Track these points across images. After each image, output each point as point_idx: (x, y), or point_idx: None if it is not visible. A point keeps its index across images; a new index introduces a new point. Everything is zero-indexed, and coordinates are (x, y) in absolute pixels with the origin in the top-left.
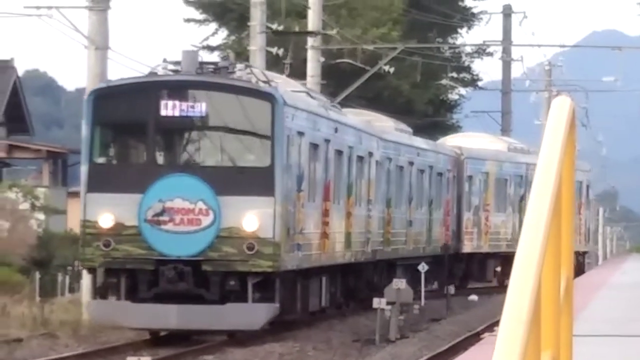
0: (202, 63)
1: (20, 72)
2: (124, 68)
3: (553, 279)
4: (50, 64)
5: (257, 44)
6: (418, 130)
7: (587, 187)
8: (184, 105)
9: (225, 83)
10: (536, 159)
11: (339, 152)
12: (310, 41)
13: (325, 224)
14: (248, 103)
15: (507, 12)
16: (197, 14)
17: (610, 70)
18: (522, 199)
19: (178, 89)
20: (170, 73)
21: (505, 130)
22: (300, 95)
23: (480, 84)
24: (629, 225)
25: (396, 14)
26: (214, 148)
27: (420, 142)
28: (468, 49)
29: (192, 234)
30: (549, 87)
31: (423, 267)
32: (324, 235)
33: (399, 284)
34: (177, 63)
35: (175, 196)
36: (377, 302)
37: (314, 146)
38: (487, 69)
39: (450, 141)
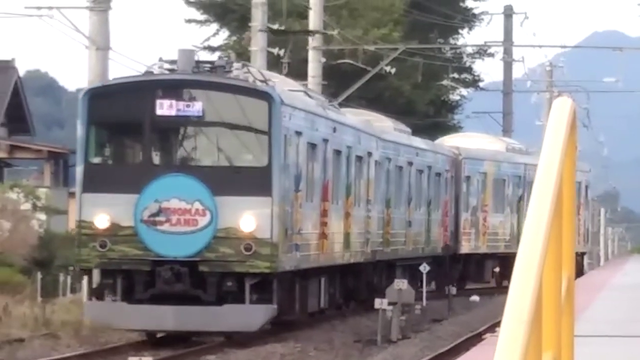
0: (198, 62)
1: (22, 73)
2: (125, 68)
3: (554, 280)
4: (51, 64)
5: (258, 44)
6: (419, 131)
7: (586, 187)
8: (180, 104)
9: (222, 82)
10: (534, 159)
11: (338, 152)
12: (311, 42)
13: (324, 224)
14: (245, 102)
15: (508, 13)
16: (198, 15)
17: (611, 70)
18: (521, 199)
19: (174, 88)
20: (166, 72)
21: (506, 130)
22: (297, 94)
23: (481, 84)
24: (631, 226)
25: (397, 14)
26: (211, 148)
27: (419, 142)
28: (469, 50)
29: (189, 235)
30: (550, 88)
31: (425, 268)
32: (323, 235)
33: (401, 284)
34: (173, 62)
35: (171, 196)
36: (378, 303)
37: (312, 146)
38: (488, 70)
39: (448, 141)
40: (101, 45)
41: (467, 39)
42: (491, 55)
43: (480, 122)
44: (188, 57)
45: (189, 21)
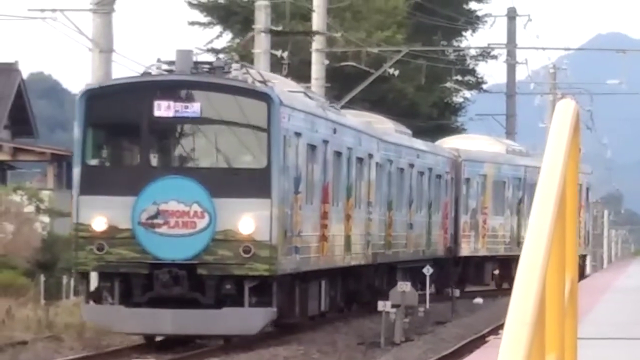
0: (196, 63)
1: (25, 75)
2: (128, 71)
3: (557, 282)
4: (55, 66)
5: (261, 46)
6: (422, 133)
7: (587, 189)
8: (178, 105)
9: (220, 83)
10: (535, 161)
11: (338, 154)
12: (314, 44)
13: (324, 226)
14: (244, 103)
15: (512, 15)
16: (202, 17)
17: (614, 73)
18: (521, 201)
19: (172, 89)
20: (164, 73)
21: (509, 133)
22: (297, 95)
23: (484, 86)
24: (634, 229)
25: (401, 17)
26: (209, 149)
27: (420, 144)
28: (473, 52)
29: (187, 237)
30: (554, 90)
31: (428, 270)
32: (323, 238)
33: (404, 286)
34: (171, 63)
35: (169, 198)
36: (382, 305)
37: (312, 147)
38: (492, 72)
39: (448, 143)
40: (104, 48)
41: (471, 41)
42: (494, 57)
43: (483, 124)
44: (186, 58)
45: (192, 23)
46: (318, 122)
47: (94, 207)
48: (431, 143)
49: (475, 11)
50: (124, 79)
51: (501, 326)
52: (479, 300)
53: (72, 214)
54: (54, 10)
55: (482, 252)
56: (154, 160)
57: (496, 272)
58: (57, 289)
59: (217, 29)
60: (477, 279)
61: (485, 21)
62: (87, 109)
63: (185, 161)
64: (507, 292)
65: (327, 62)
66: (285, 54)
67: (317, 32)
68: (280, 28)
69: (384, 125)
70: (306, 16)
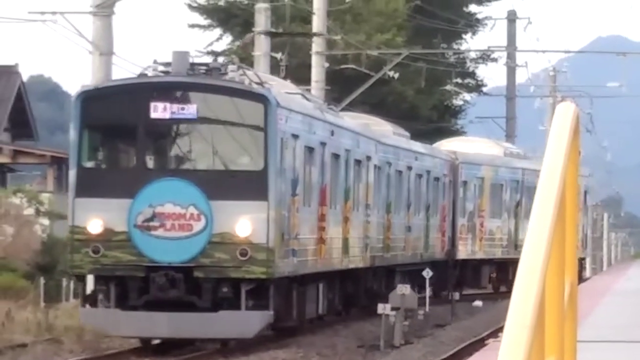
0: (193, 64)
1: (25, 78)
2: (128, 74)
3: (557, 284)
4: (55, 69)
5: (261, 49)
6: (422, 136)
7: (585, 192)
8: (175, 107)
9: (217, 84)
10: (533, 164)
11: (336, 156)
12: (314, 47)
13: (322, 229)
14: (240, 105)
15: (512, 18)
16: (202, 20)
17: (614, 75)
18: (518, 204)
19: (168, 90)
20: (161, 74)
21: (509, 135)
22: (294, 97)
23: (484, 89)
24: (634, 231)
25: (401, 19)
26: (206, 151)
27: (418, 146)
28: (472, 55)
29: (184, 240)
30: (554, 93)
31: (428, 273)
32: (321, 240)
33: (404, 289)
34: (167, 64)
35: (165, 201)
36: (381, 308)
37: (310, 149)
38: (492, 75)
39: (446, 145)
40: (104, 50)
41: (471, 44)
42: (494, 60)
43: (483, 127)
44: (182, 59)
45: (193, 26)
46: (316, 124)
47: (89, 210)
48: (429, 145)
49: (475, 14)
50: (120, 80)
51: (501, 329)
52: (478, 303)
53: (68, 217)
54: (54, 13)
55: (480, 255)
56: (150, 162)
57: (493, 275)
58: (56, 291)
59: (217, 31)
60: (474, 282)
61: (486, 24)
62: (83, 110)
63: (182, 163)
64: (505, 295)
65: (327, 64)
66: (281, 56)
67: (316, 34)
68: (280, 31)
69: (382, 128)
70: (306, 19)
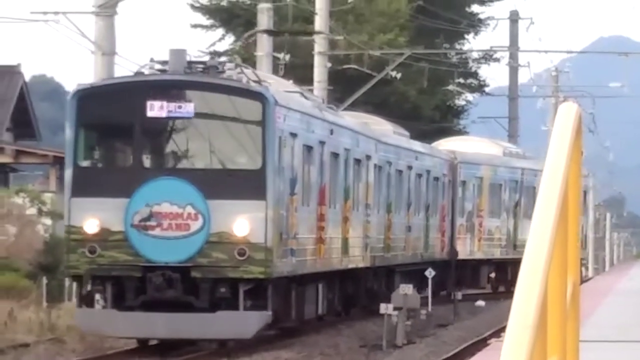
0: (190, 62)
1: (27, 78)
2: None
3: (559, 284)
4: (57, 69)
5: (263, 49)
6: (425, 136)
7: (585, 192)
8: (172, 105)
9: (214, 82)
10: (532, 163)
11: (335, 155)
12: (317, 47)
13: (321, 228)
14: (238, 103)
15: (514, 18)
16: (204, 20)
17: (617, 76)
18: (517, 204)
19: (165, 89)
20: (157, 73)
21: (512, 135)
22: (293, 95)
23: (487, 89)
24: (636, 231)
25: (403, 19)
26: (203, 150)
27: (418, 145)
28: (475, 55)
29: (181, 240)
30: (556, 93)
31: (430, 273)
32: (320, 240)
33: (406, 289)
34: (164, 62)
35: (162, 200)
36: (384, 308)
37: (308, 148)
38: (494, 75)
39: (445, 145)
40: (107, 50)
41: (473, 44)
42: (497, 60)
43: (485, 127)
44: (179, 57)
45: (195, 26)
46: (314, 123)
47: (86, 209)
48: (428, 145)
49: (477, 14)
50: (116, 78)
51: (503, 329)
52: (481, 303)
53: (64, 216)
54: (56, 13)
55: (478, 255)
56: (146, 161)
57: (492, 275)
58: (59, 291)
59: (220, 31)
60: (473, 282)
61: (488, 24)
62: (79, 109)
63: (179, 162)
64: (503, 295)
65: (329, 65)
66: (283, 55)
67: (318, 32)
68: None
69: (382, 127)
70: (309, 19)
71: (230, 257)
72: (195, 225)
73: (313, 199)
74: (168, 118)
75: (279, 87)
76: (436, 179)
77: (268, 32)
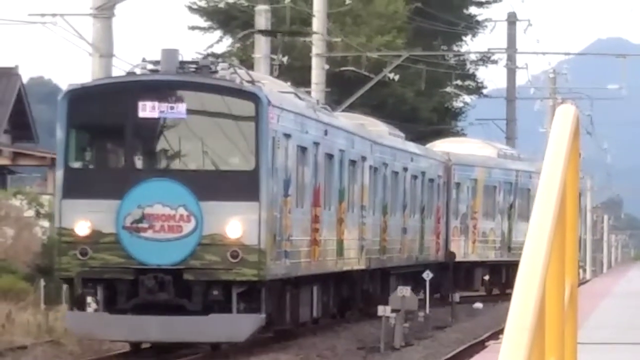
0: (182, 62)
1: (25, 79)
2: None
3: (557, 286)
4: (55, 71)
5: (261, 51)
6: (422, 138)
7: (579, 195)
8: (164, 106)
9: (207, 82)
10: (527, 165)
11: (330, 156)
12: (314, 49)
13: (315, 230)
14: (231, 103)
15: (512, 20)
16: (202, 22)
17: (614, 78)
18: (512, 206)
19: (157, 89)
20: (149, 73)
21: (509, 137)
22: (287, 96)
23: (484, 91)
24: (634, 233)
25: (401, 21)
26: (196, 151)
27: (413, 147)
28: (473, 57)
29: (173, 242)
30: (554, 95)
31: (428, 275)
32: (314, 242)
33: (404, 291)
34: (156, 62)
35: (155, 202)
36: (381, 310)
37: (302, 149)
38: (492, 77)
39: (439, 146)
40: (104, 52)
41: (471, 46)
42: (495, 62)
43: (483, 129)
44: (172, 57)
45: (193, 28)
46: (308, 124)
47: (77, 211)
48: (423, 146)
49: (475, 16)
50: (107, 79)
51: (501, 331)
52: (478, 305)
53: (55, 218)
54: (54, 15)
55: (473, 257)
56: (138, 162)
57: (486, 277)
58: (57, 293)
59: (217, 33)
60: (467, 284)
61: (486, 26)
62: (70, 110)
63: (171, 163)
64: (499, 297)
65: (327, 67)
66: (278, 55)
67: (315, 32)
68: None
69: (377, 128)
70: (306, 21)
71: (223, 259)
72: (188, 227)
73: (307, 200)
74: (160, 118)
75: (273, 88)
76: (431, 180)
77: (265, 32)
